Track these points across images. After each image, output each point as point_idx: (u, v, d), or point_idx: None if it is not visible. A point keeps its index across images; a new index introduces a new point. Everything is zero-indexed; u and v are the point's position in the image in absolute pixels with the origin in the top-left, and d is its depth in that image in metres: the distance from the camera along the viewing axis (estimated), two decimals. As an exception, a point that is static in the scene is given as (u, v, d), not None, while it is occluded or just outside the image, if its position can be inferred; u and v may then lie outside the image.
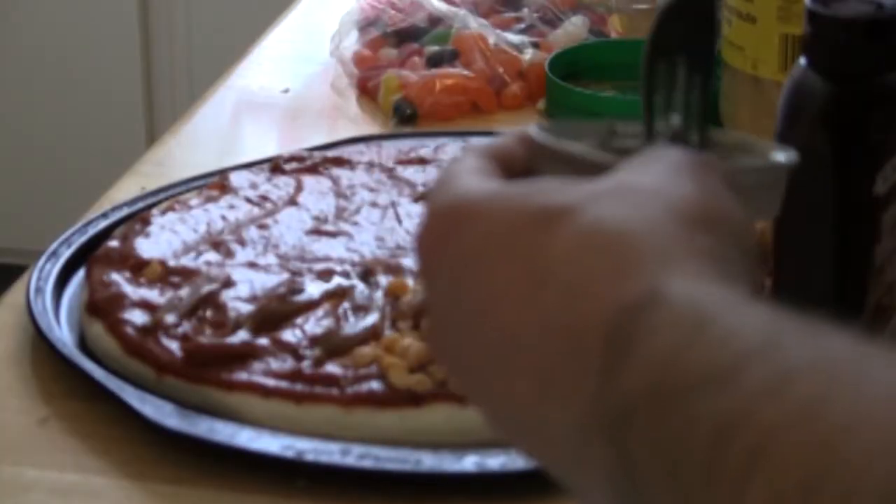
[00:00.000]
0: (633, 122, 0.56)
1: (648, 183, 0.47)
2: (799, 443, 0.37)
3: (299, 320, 0.82)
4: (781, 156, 0.54)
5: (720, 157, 0.53)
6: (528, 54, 1.22)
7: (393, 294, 0.83)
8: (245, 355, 0.79)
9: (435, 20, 1.27)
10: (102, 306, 0.84)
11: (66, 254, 0.91)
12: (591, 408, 0.43)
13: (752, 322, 0.41)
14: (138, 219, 0.93)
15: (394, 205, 0.96)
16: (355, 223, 0.94)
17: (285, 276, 0.86)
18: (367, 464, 0.73)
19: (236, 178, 0.99)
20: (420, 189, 0.98)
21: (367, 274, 0.86)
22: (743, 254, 0.46)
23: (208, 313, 0.82)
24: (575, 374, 0.43)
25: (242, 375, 0.78)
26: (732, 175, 0.51)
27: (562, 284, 0.44)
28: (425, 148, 1.05)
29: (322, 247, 0.90)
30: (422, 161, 1.02)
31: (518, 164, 0.53)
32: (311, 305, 0.83)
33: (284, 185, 0.99)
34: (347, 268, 0.87)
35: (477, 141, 0.55)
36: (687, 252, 0.44)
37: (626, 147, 0.55)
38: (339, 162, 1.02)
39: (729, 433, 0.38)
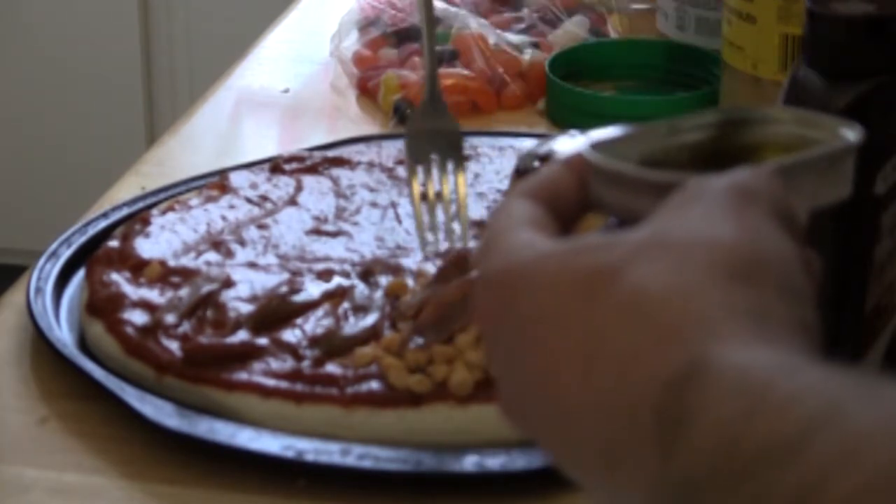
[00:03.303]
0: (692, 114, 0.54)
1: (686, 235, 0.46)
2: None
3: (299, 320, 0.82)
4: (851, 135, 0.52)
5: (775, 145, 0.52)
6: (528, 54, 1.22)
7: (393, 294, 0.83)
8: (245, 355, 0.79)
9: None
10: (102, 306, 0.84)
11: (66, 254, 0.91)
12: (655, 485, 0.42)
13: (810, 387, 0.40)
14: (138, 219, 0.93)
15: (394, 205, 0.96)
16: (355, 223, 0.94)
17: (285, 276, 0.86)
18: (367, 464, 0.73)
19: (236, 178, 0.99)
20: (420, 189, 0.98)
21: (367, 274, 0.86)
22: (791, 297, 0.45)
23: (208, 313, 0.82)
24: (635, 451, 0.43)
25: (242, 375, 0.78)
26: (792, 170, 0.49)
27: (610, 359, 0.44)
28: (425, 148, 1.05)
29: (322, 247, 0.90)
30: (422, 161, 1.02)
31: (569, 196, 0.52)
32: (311, 305, 0.83)
33: (284, 185, 0.99)
34: (347, 268, 0.87)
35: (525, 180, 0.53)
36: (730, 314, 0.43)
37: (688, 142, 0.54)
38: (339, 162, 1.02)
39: None
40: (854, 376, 0.40)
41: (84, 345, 0.84)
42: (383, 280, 0.85)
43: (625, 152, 0.53)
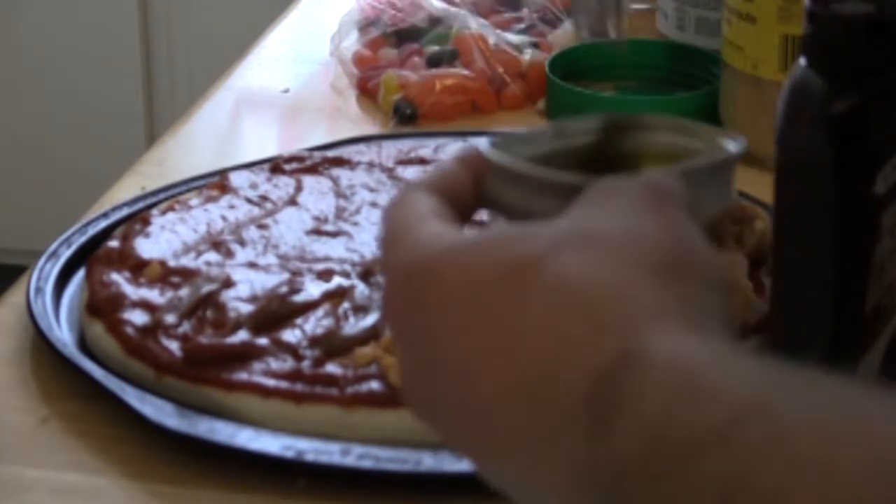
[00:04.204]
0: (578, 119, 0.55)
1: (609, 229, 0.45)
2: (810, 501, 0.36)
3: (299, 320, 0.82)
4: (733, 146, 0.53)
5: (668, 152, 0.52)
6: (528, 54, 1.22)
7: (393, 294, 0.83)
8: (245, 355, 0.79)
9: (435, 20, 1.27)
10: (102, 306, 0.84)
11: (66, 254, 0.91)
12: (581, 473, 0.42)
13: (741, 376, 0.40)
14: (138, 219, 0.93)
15: (394, 205, 0.96)
16: (355, 223, 0.94)
17: (285, 276, 0.86)
18: (367, 464, 0.73)
19: (236, 178, 0.99)
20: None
21: (367, 274, 0.86)
22: (713, 291, 0.45)
23: (208, 313, 0.82)
24: (562, 440, 0.42)
25: (242, 375, 0.78)
26: (687, 177, 0.49)
27: (535, 350, 0.43)
28: (425, 148, 1.05)
29: (322, 247, 0.90)
30: (422, 161, 1.02)
31: (466, 191, 0.51)
32: (311, 305, 0.83)
33: (284, 185, 0.99)
34: (347, 268, 0.87)
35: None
36: (659, 305, 0.43)
37: (574, 146, 0.55)
38: (339, 162, 1.02)
39: (734, 496, 0.37)
40: (785, 367, 0.40)
41: (84, 345, 0.84)
42: (383, 280, 0.85)
43: (517, 154, 0.53)
